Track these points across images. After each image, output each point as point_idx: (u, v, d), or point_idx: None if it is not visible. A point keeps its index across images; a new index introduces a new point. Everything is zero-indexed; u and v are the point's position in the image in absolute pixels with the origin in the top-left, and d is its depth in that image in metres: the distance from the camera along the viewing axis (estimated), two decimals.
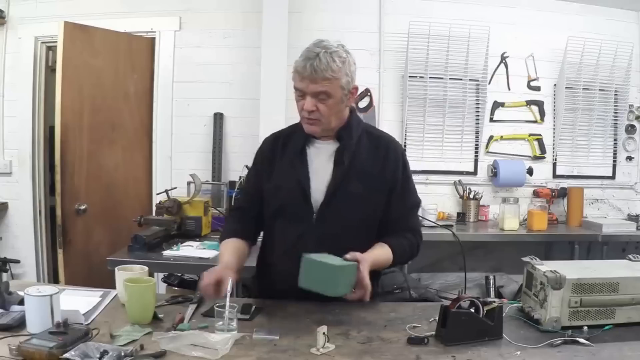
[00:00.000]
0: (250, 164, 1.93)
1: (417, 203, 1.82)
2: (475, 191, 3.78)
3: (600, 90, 3.90)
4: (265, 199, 1.77)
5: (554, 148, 3.95)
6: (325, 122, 1.66)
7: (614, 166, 4.02)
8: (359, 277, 1.51)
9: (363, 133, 1.75)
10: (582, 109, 3.91)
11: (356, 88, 1.69)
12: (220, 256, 1.72)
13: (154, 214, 3.09)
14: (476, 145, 3.91)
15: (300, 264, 1.49)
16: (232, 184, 3.56)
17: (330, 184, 1.68)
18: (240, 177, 3.44)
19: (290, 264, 1.67)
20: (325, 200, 1.68)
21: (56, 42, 3.17)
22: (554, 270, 1.50)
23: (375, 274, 1.80)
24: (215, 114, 3.73)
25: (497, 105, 3.89)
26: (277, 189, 1.73)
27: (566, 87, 3.85)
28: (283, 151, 1.76)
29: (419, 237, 1.80)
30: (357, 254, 1.55)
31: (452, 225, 3.52)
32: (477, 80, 3.83)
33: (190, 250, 2.68)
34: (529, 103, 3.92)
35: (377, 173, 1.71)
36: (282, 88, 3.28)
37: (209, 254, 2.57)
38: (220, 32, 3.74)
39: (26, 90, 3.71)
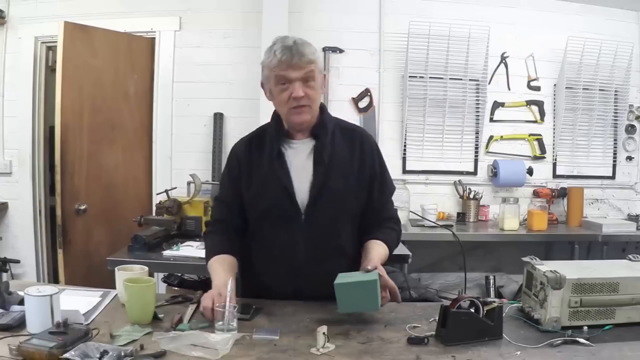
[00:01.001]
0: None
1: (393, 191, 1.85)
2: (475, 191, 3.78)
3: (600, 90, 3.90)
4: (247, 206, 1.74)
5: (554, 148, 3.95)
6: (314, 108, 1.66)
7: (614, 166, 4.02)
8: (382, 281, 1.52)
9: (336, 128, 1.75)
10: (582, 109, 3.91)
11: (325, 76, 1.73)
12: (215, 275, 1.63)
13: (154, 214, 3.09)
14: (476, 145, 3.91)
15: (333, 291, 1.48)
16: None
17: (314, 183, 1.67)
18: None
19: (284, 267, 1.67)
20: (310, 200, 1.67)
21: (56, 42, 3.17)
22: (554, 270, 1.50)
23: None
24: (215, 114, 3.73)
25: (497, 105, 3.89)
26: (260, 194, 1.70)
27: (566, 87, 3.85)
28: (259, 154, 1.74)
29: (400, 223, 1.87)
30: (373, 261, 1.57)
31: (452, 225, 3.53)
32: (477, 80, 3.83)
33: (190, 250, 2.68)
34: (529, 103, 3.92)
35: (356, 167, 1.72)
36: None
37: None
38: (220, 32, 3.74)
39: (26, 90, 3.71)
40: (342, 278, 1.52)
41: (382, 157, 1.81)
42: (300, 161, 1.71)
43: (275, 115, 1.77)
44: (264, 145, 1.74)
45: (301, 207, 1.68)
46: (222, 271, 1.63)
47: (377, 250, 1.67)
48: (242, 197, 1.74)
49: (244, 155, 1.76)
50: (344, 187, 1.69)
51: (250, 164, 1.74)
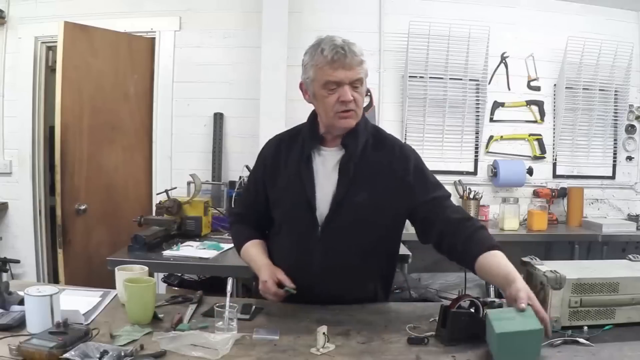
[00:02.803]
0: (250, 164, 1.91)
1: (448, 196, 1.69)
2: (475, 191, 3.78)
3: (600, 90, 3.90)
4: (272, 205, 1.73)
5: (554, 148, 3.95)
6: (359, 112, 1.62)
7: (614, 166, 4.02)
8: (535, 309, 1.31)
9: (369, 137, 1.68)
10: (582, 109, 3.91)
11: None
12: (255, 258, 1.70)
13: (154, 214, 3.09)
14: (476, 145, 3.91)
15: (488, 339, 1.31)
16: (232, 184, 3.56)
17: (335, 195, 1.62)
18: (240, 177, 3.44)
19: (296, 277, 1.62)
20: (330, 212, 1.62)
21: (56, 42, 3.17)
22: (554, 270, 1.50)
23: (388, 279, 1.80)
24: (215, 114, 3.73)
25: (497, 105, 3.89)
26: (281, 197, 1.69)
27: (566, 87, 3.85)
28: (287, 156, 1.70)
29: (474, 218, 1.72)
30: (522, 293, 1.31)
31: None
32: (477, 80, 3.83)
33: (190, 250, 2.67)
34: (529, 103, 3.92)
35: (385, 180, 1.63)
36: (282, 88, 3.28)
37: (209, 254, 2.56)
38: (220, 32, 3.74)
39: (26, 90, 3.71)
40: (499, 321, 1.26)
41: (422, 168, 1.70)
42: (326, 170, 1.66)
43: (312, 117, 1.71)
44: (295, 147, 1.70)
45: (319, 219, 1.63)
46: (262, 256, 1.69)
47: (508, 267, 1.42)
48: (263, 197, 1.74)
49: (271, 156, 1.74)
50: (368, 202, 1.61)
51: (277, 165, 1.71)
